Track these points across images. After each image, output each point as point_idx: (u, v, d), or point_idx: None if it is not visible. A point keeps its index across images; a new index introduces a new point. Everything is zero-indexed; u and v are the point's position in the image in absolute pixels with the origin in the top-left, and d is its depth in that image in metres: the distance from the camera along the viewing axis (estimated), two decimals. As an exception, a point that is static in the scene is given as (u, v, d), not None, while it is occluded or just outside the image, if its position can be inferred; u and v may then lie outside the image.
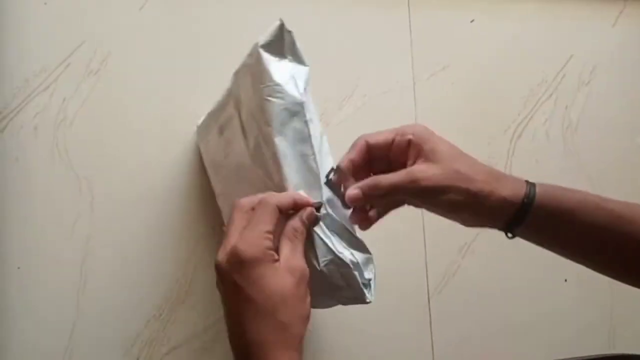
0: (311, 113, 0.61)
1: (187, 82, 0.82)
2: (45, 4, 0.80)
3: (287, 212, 0.57)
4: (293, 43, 0.63)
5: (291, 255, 0.55)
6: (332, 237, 0.60)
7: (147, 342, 0.76)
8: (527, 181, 0.60)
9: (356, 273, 0.61)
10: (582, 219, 0.59)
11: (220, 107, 0.71)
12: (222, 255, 0.54)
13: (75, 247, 0.76)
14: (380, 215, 0.64)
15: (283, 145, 0.59)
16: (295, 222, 0.57)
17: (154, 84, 0.82)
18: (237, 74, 0.67)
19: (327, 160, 0.63)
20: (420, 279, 0.84)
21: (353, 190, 0.59)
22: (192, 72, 0.83)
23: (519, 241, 0.87)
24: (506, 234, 0.61)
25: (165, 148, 0.81)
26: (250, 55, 0.63)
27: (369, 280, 0.63)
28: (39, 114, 0.78)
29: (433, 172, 0.58)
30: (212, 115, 0.73)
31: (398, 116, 0.87)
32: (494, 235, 0.87)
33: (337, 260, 0.60)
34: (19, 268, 0.74)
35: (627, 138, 0.95)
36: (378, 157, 0.62)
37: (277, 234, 0.56)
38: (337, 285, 0.61)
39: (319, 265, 0.59)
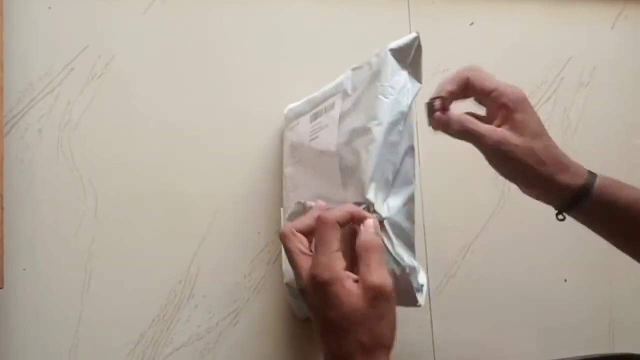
0: (407, 127, 0.63)
1: (191, 85, 0.83)
2: (50, 8, 0.81)
3: (345, 225, 0.56)
4: (419, 59, 0.66)
5: (367, 273, 0.53)
6: (393, 240, 0.61)
7: (150, 343, 0.77)
8: (589, 172, 0.65)
9: (411, 278, 0.61)
10: (635, 216, 0.63)
11: (323, 97, 0.72)
12: (305, 280, 0.54)
13: (80, 249, 0.77)
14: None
15: (379, 141, 0.61)
16: (364, 237, 0.55)
17: (157, 87, 0.82)
18: (355, 69, 0.69)
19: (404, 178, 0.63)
20: (421, 280, 0.84)
21: (443, 117, 0.65)
22: (196, 75, 0.83)
23: (519, 242, 0.87)
24: (557, 216, 0.66)
25: (168, 150, 0.81)
26: (377, 55, 0.66)
27: (422, 285, 0.63)
28: (43, 116, 0.79)
29: (513, 141, 0.63)
30: (310, 102, 0.75)
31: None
32: (495, 236, 0.88)
33: (394, 264, 0.60)
34: (24, 269, 0.75)
35: (626, 139, 0.95)
36: (470, 95, 0.66)
37: (345, 249, 0.54)
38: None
39: None
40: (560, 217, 0.66)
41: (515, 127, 0.64)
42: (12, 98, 0.78)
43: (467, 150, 0.89)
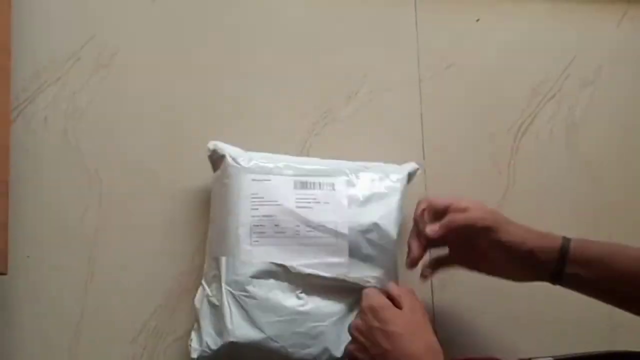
0: None
1: (197, 77, 0.83)
2: (57, -3, 0.81)
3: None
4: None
5: (410, 301, 0.68)
6: None
7: (153, 332, 0.77)
8: (561, 247, 0.69)
9: None
10: (612, 266, 0.68)
11: (310, 170, 0.77)
12: (358, 321, 0.68)
13: (84, 238, 0.77)
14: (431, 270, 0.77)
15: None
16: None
17: (163, 77, 0.82)
18: (359, 172, 0.79)
19: None
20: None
21: (433, 226, 0.72)
22: (202, 66, 0.84)
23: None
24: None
25: (174, 143, 0.81)
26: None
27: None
28: (49, 106, 0.79)
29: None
30: (284, 166, 0.76)
31: (403, 113, 0.88)
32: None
33: None
34: (28, 257, 0.75)
35: (630, 138, 0.95)
36: (449, 240, 0.74)
37: None
38: None
39: None
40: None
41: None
42: (18, 86, 0.78)
43: (471, 149, 0.90)
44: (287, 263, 0.71)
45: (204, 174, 0.80)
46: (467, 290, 0.84)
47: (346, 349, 0.70)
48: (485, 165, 0.90)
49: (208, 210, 0.79)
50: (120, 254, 0.78)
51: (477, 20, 0.93)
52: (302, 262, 0.71)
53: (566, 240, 0.69)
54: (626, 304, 0.70)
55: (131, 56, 0.82)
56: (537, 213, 0.86)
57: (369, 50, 0.89)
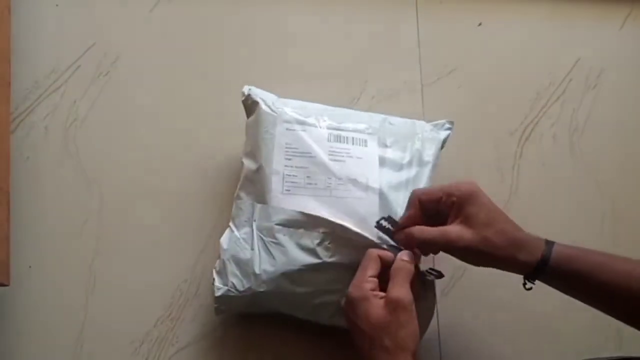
0: None
1: (197, 84, 0.83)
2: (57, 5, 0.81)
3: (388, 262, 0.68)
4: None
5: (393, 289, 0.65)
6: None
7: (156, 342, 0.76)
8: (546, 243, 0.68)
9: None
10: (596, 281, 0.66)
11: (343, 123, 0.76)
12: (343, 300, 0.68)
13: (85, 247, 0.77)
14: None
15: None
16: (396, 263, 0.68)
17: (163, 85, 0.82)
18: (392, 125, 0.79)
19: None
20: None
21: (399, 234, 0.71)
22: (202, 74, 0.84)
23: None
24: (523, 286, 0.70)
25: (174, 150, 0.81)
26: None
27: None
28: (49, 114, 0.79)
29: (465, 236, 0.67)
30: (318, 116, 0.76)
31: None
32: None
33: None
34: (30, 267, 0.75)
35: (634, 141, 0.94)
36: (429, 209, 0.71)
37: (385, 276, 0.67)
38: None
39: None
40: (527, 287, 0.70)
41: (468, 221, 0.67)
42: (18, 96, 0.79)
43: (475, 153, 0.89)
44: (317, 214, 0.71)
45: (206, 182, 0.80)
46: (471, 295, 0.84)
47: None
48: (488, 170, 0.90)
49: (210, 219, 0.79)
50: (121, 263, 0.77)
51: (479, 24, 0.93)
52: (332, 214, 0.71)
53: (548, 250, 0.68)
54: (613, 314, 0.70)
55: (131, 64, 0.82)
56: (541, 217, 0.86)
57: (370, 56, 0.89)
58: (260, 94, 0.76)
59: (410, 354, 0.63)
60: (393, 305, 0.64)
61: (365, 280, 0.66)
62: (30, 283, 0.75)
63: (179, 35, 0.84)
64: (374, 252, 0.69)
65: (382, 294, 0.65)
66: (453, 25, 0.92)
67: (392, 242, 0.72)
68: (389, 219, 0.72)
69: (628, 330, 0.82)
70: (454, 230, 0.68)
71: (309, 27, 0.88)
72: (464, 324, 0.84)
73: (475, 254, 0.68)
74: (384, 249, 0.70)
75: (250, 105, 0.76)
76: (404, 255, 0.68)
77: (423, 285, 0.73)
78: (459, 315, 0.83)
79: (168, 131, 0.81)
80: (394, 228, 0.71)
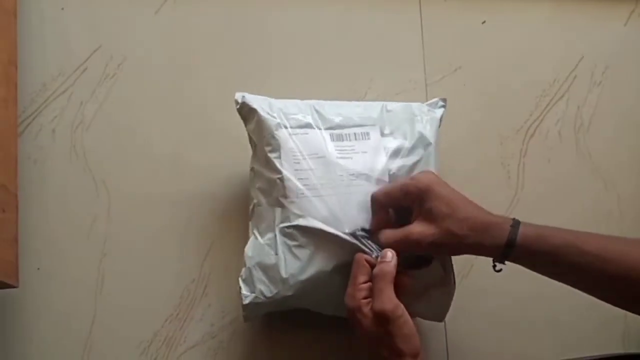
0: None
1: (203, 85, 0.83)
2: (63, 9, 0.82)
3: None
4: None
5: (376, 301, 0.64)
6: None
7: (164, 342, 0.77)
8: (512, 224, 0.67)
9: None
10: (563, 261, 0.66)
11: (344, 121, 0.76)
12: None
13: (93, 248, 0.78)
14: None
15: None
16: (377, 267, 0.66)
17: (169, 87, 0.83)
18: (389, 112, 0.78)
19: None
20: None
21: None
22: (208, 75, 0.84)
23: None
24: (493, 268, 0.70)
25: (181, 151, 0.81)
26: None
27: None
28: (56, 117, 0.80)
29: (427, 232, 0.67)
30: (316, 118, 0.75)
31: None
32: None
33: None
34: (38, 269, 0.76)
35: (639, 138, 0.94)
36: (395, 207, 0.72)
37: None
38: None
39: None
40: (497, 269, 0.70)
41: (428, 216, 0.67)
42: (25, 98, 0.79)
43: (480, 151, 0.89)
44: (334, 214, 0.71)
45: (213, 182, 0.80)
46: (478, 292, 0.84)
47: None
48: (493, 168, 0.90)
49: (218, 218, 0.80)
50: (129, 264, 0.78)
51: (483, 22, 0.93)
52: (348, 213, 0.72)
53: (514, 231, 0.67)
54: (585, 291, 0.70)
55: (137, 66, 0.82)
56: (547, 214, 0.85)
57: (374, 55, 0.89)
58: (254, 101, 0.74)
59: (410, 357, 0.63)
60: (379, 319, 0.63)
61: (358, 288, 0.66)
62: (39, 285, 0.75)
63: (185, 37, 0.84)
64: (361, 257, 0.68)
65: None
66: (457, 24, 0.92)
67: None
68: (362, 229, 0.71)
69: (634, 323, 0.82)
70: (415, 228, 0.68)
71: (314, 25, 0.88)
72: (469, 320, 0.84)
73: (443, 247, 0.68)
74: None
75: (247, 113, 0.75)
76: (384, 257, 0.67)
77: (443, 268, 0.73)
78: (465, 312, 0.83)
79: (175, 132, 0.82)
80: (368, 235, 0.71)
